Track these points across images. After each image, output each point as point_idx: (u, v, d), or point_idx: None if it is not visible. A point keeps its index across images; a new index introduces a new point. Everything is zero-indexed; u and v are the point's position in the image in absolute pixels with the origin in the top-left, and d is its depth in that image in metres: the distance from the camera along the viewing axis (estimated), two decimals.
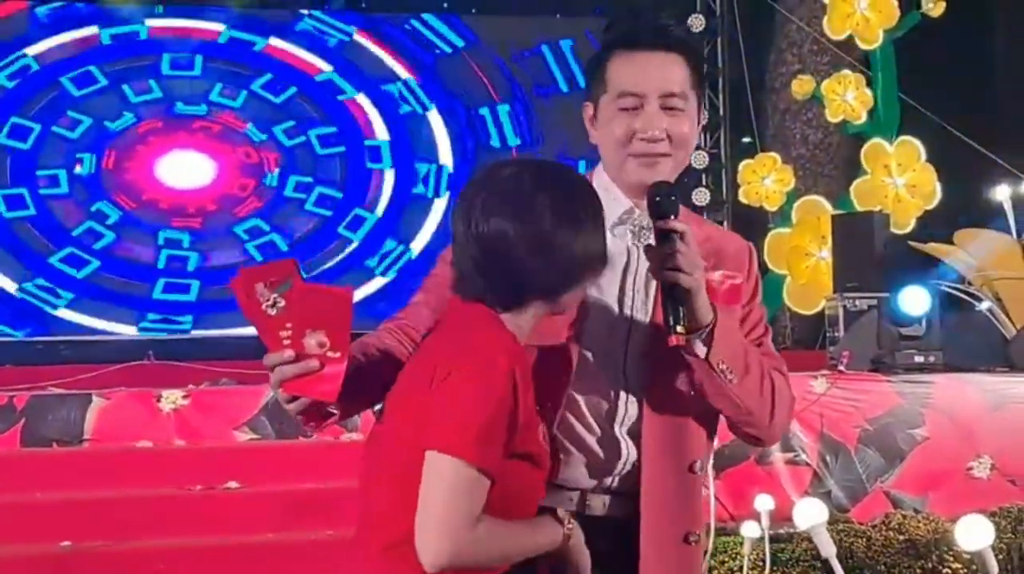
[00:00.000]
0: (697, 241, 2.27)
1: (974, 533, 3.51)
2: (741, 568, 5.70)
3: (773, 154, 10.14)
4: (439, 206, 11.38)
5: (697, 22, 11.34)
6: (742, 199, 10.04)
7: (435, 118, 11.80)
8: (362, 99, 11.59)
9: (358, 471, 2.32)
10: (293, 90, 11.44)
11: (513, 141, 11.65)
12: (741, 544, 5.70)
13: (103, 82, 11.03)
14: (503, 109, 11.65)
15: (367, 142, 11.61)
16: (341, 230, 11.36)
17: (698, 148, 11.38)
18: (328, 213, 11.39)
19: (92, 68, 11.03)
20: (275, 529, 6.10)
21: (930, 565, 5.83)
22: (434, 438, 2.03)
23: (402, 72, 11.73)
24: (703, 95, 2.50)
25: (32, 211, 10.74)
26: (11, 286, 10.56)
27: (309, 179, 11.40)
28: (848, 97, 9.58)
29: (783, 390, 2.37)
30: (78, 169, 10.89)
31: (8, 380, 7.90)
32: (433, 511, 2.02)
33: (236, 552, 6.00)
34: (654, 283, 2.35)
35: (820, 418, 6.87)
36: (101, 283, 10.75)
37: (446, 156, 11.70)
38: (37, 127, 10.84)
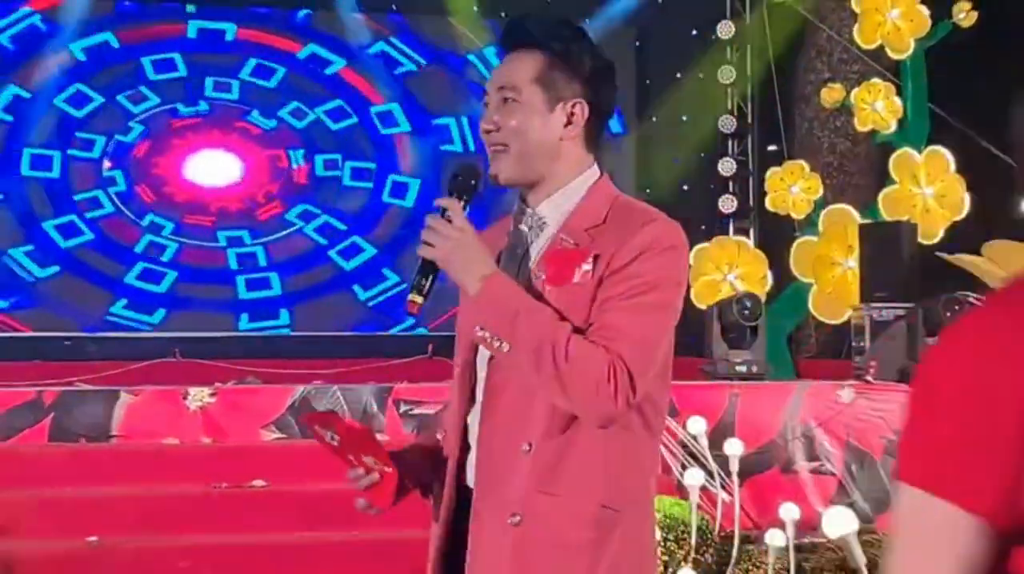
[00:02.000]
0: (588, 218, 2.44)
1: (837, 523, 3.59)
2: None
3: (801, 162, 10.11)
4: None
5: (726, 29, 11.33)
6: (768, 207, 10.01)
7: (432, 72, 11.82)
8: (352, 68, 11.58)
9: None
10: (282, 71, 11.41)
11: None
12: (765, 553, 5.70)
13: (97, 99, 11.00)
14: (489, 51, 11.58)
15: (374, 108, 11.60)
16: (386, 198, 11.37)
17: (725, 155, 11.37)
18: (369, 185, 11.40)
19: (80, 85, 11.00)
20: (300, 529, 6.13)
21: None
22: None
23: (376, 34, 11.71)
24: (565, 88, 2.52)
25: (90, 235, 10.76)
26: (98, 313, 10.57)
27: (336, 155, 11.40)
28: (877, 106, 9.55)
29: (583, 361, 2.30)
30: (113, 186, 10.92)
31: (37, 375, 7.95)
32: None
33: (260, 551, 6.03)
34: (536, 268, 2.47)
35: (846, 428, 6.87)
36: (185, 293, 10.76)
37: (459, 104, 11.72)
38: (56, 154, 10.84)
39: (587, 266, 2.39)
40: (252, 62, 11.36)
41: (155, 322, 10.66)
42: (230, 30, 11.37)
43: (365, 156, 11.43)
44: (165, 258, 10.83)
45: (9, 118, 10.78)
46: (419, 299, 2.43)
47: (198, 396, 6.85)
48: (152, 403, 6.89)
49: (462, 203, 2.45)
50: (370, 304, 11.00)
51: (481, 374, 2.51)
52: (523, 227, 2.55)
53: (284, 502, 6.28)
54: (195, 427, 6.76)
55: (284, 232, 11.11)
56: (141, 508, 6.24)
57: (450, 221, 2.40)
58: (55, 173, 10.78)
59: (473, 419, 2.53)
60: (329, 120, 11.42)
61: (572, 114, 2.52)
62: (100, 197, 10.85)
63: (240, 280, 10.92)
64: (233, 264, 10.94)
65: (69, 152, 10.85)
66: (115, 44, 11.14)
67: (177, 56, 11.24)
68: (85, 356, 9.45)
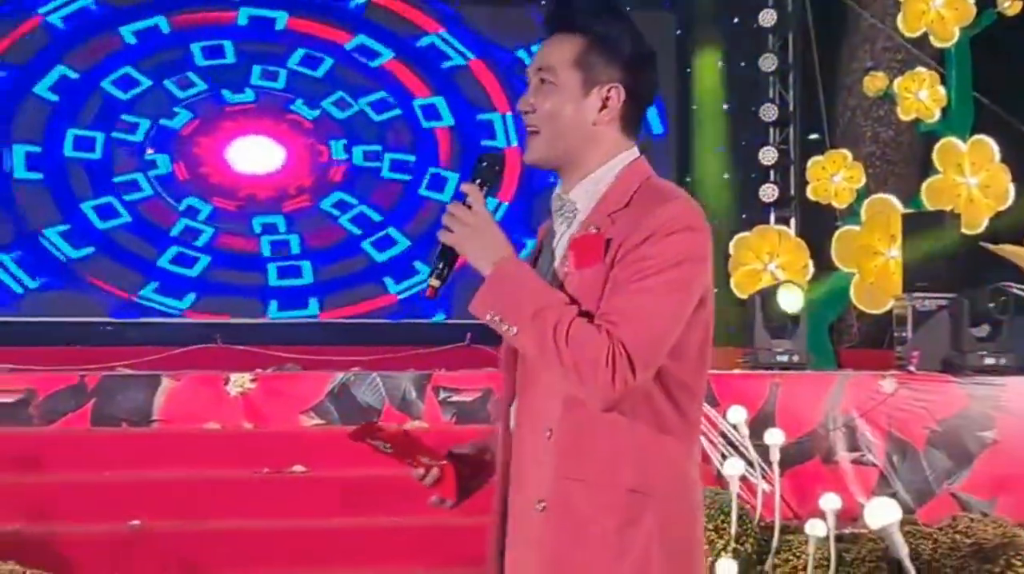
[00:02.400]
0: (613, 202, 2.43)
1: (879, 513, 3.56)
2: (805, 567, 5.66)
3: (843, 151, 10.03)
4: (513, 155, 11.27)
5: (768, 17, 11.27)
6: (810, 196, 9.96)
7: (479, 67, 11.80)
8: (399, 59, 11.58)
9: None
10: (330, 62, 11.43)
11: None
12: (805, 543, 5.66)
13: (145, 82, 11.06)
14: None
15: (418, 101, 11.60)
16: (423, 191, 11.38)
17: (767, 144, 11.31)
18: (407, 177, 11.40)
19: (128, 69, 11.06)
20: (339, 514, 6.15)
21: (998, 569, 5.75)
22: None
23: (430, 26, 11.69)
24: (602, 72, 2.51)
25: (127, 218, 10.83)
26: (130, 295, 10.65)
27: (376, 147, 11.42)
28: (921, 95, 9.48)
29: (582, 344, 2.29)
30: (153, 170, 10.98)
31: (80, 360, 8.01)
32: None
33: (300, 535, 6.05)
34: (564, 255, 2.47)
35: (888, 418, 6.82)
36: (217, 278, 10.82)
37: (501, 104, 11.68)
38: (99, 135, 10.91)
39: (601, 251, 2.38)
40: (300, 52, 11.40)
41: (184, 306, 10.72)
42: (280, 18, 11.40)
43: (405, 148, 11.45)
44: (199, 243, 10.89)
45: (55, 98, 10.85)
46: (436, 283, 2.45)
47: (239, 382, 6.89)
48: (193, 388, 6.93)
49: (484, 190, 2.46)
50: (400, 297, 11.01)
51: (521, 363, 2.52)
52: (557, 219, 2.55)
53: (324, 487, 6.30)
54: (236, 412, 6.80)
55: (319, 221, 11.14)
56: (182, 492, 6.28)
57: (470, 207, 2.41)
58: (97, 154, 10.85)
59: (513, 408, 2.55)
60: (372, 111, 11.43)
61: (608, 98, 2.50)
62: (140, 180, 10.91)
63: (272, 267, 10.97)
64: (266, 251, 10.99)
65: (113, 135, 10.92)
66: (165, 29, 11.21)
67: (227, 43, 11.29)
68: (126, 341, 9.50)
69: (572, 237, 2.46)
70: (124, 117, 10.98)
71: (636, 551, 2.36)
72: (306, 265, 11.00)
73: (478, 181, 2.48)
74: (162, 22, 11.22)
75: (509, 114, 11.59)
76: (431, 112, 11.58)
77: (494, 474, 2.63)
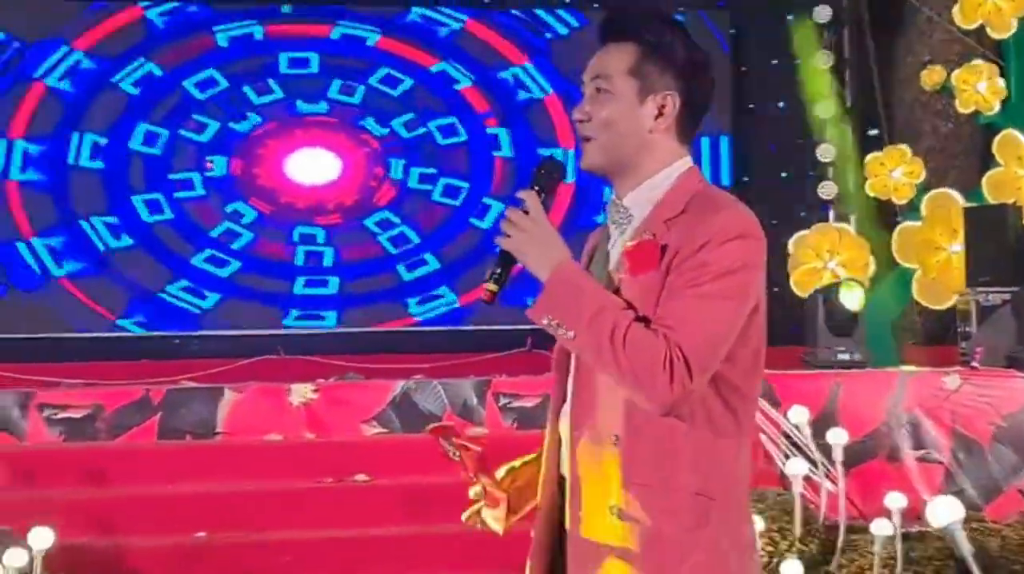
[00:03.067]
0: (669, 209, 2.46)
1: (941, 512, 3.53)
2: (871, 566, 5.63)
3: (902, 146, 9.94)
4: (565, 190, 11.32)
5: (824, 12, 11.19)
6: (869, 192, 9.87)
7: (553, 102, 11.81)
8: (477, 87, 11.64)
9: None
10: (409, 83, 11.52)
11: None
12: (871, 542, 5.63)
13: (224, 84, 11.21)
14: None
15: (487, 130, 11.66)
16: (470, 219, 11.42)
17: (824, 141, 11.23)
18: (456, 203, 11.46)
19: (213, 71, 11.23)
20: (402, 522, 6.18)
21: None
22: None
23: (516, 58, 11.74)
24: (657, 80, 2.54)
25: (170, 215, 10.98)
26: (157, 289, 10.80)
27: (433, 170, 11.48)
28: (980, 87, 9.37)
29: (640, 348, 2.32)
30: (210, 171, 11.12)
31: (145, 374, 8.11)
32: None
33: (364, 544, 6.09)
34: (619, 261, 2.50)
35: (952, 415, 6.76)
36: (243, 282, 10.94)
37: (567, 140, 11.69)
38: (166, 132, 11.07)
39: (657, 256, 2.41)
40: (383, 70, 11.50)
41: (207, 307, 10.83)
42: (372, 37, 11.51)
43: (461, 175, 11.49)
44: (235, 246, 11.01)
45: (135, 91, 11.03)
46: (494, 287, 2.48)
47: (301, 392, 6.94)
48: (256, 400, 6.99)
49: (541, 196, 2.49)
50: (420, 318, 11.05)
51: (572, 367, 2.54)
52: (611, 225, 2.58)
53: (386, 496, 6.34)
54: (298, 423, 6.84)
55: (357, 237, 11.21)
56: (246, 504, 6.34)
57: (527, 213, 2.44)
58: (158, 150, 11.01)
59: (565, 413, 2.56)
60: (439, 135, 11.50)
61: (663, 106, 2.53)
62: (194, 179, 11.06)
63: (300, 278, 11.06)
64: (299, 261, 11.09)
65: (180, 132, 11.07)
66: (259, 36, 11.36)
67: (313, 55, 11.42)
68: (190, 354, 9.61)
69: (628, 243, 2.49)
70: (195, 117, 11.15)
71: (704, 553, 2.41)
72: (334, 279, 11.09)
73: (536, 187, 2.50)
74: (257, 29, 11.38)
75: (572, 151, 11.59)
76: (494, 142, 11.63)
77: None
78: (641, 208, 2.53)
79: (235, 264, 10.95)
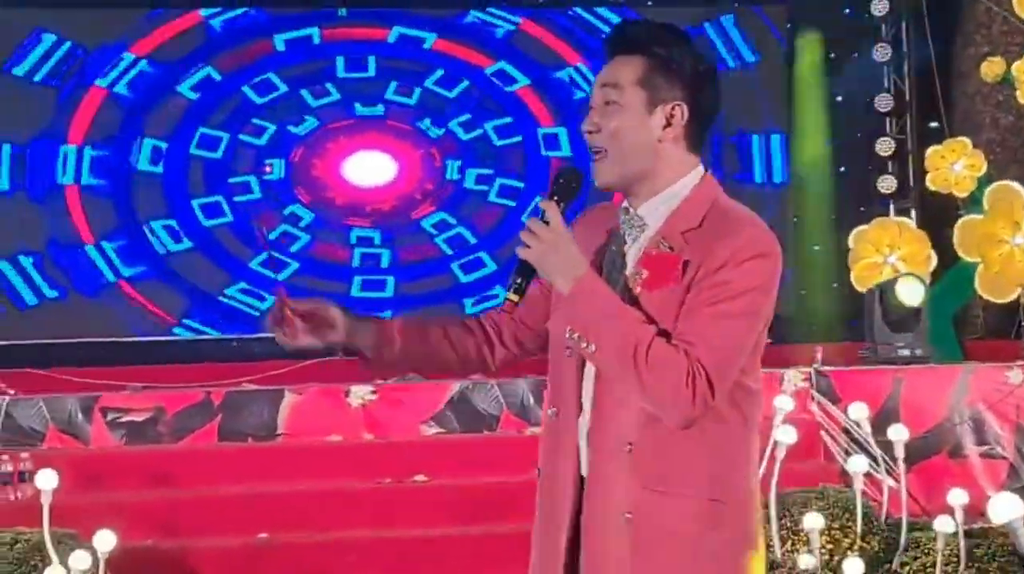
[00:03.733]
0: (686, 220, 2.49)
1: (1002, 508, 3.48)
2: (934, 564, 5.57)
3: (963, 139, 9.83)
4: None
5: (881, 6, 11.09)
6: (930, 186, 9.78)
7: None
8: (533, 88, 11.63)
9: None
10: (466, 83, 11.53)
11: None
12: (934, 539, 5.57)
13: (282, 88, 11.27)
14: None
15: (542, 130, 11.64)
16: (524, 218, 11.39)
17: (884, 135, 11.13)
18: (512, 203, 11.46)
19: (271, 75, 11.28)
20: (461, 522, 6.20)
21: None
22: None
23: (571, 58, 11.72)
24: (666, 91, 2.56)
25: (229, 218, 11.07)
26: (216, 292, 10.89)
27: (489, 171, 11.48)
28: None
29: (663, 365, 2.35)
30: (268, 174, 11.20)
31: (205, 376, 8.18)
32: None
33: (423, 544, 6.12)
34: (636, 269, 2.52)
35: (1016, 409, 6.69)
36: (301, 284, 11.00)
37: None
38: (225, 136, 11.15)
39: (679, 271, 2.44)
40: (439, 71, 11.52)
41: (264, 308, 10.88)
42: (429, 39, 11.55)
43: (516, 175, 11.49)
44: (293, 249, 11.05)
45: (195, 96, 11.13)
46: (515, 298, 2.51)
47: (359, 393, 6.99)
48: (315, 401, 7.05)
49: (561, 206, 2.51)
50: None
51: (588, 378, 2.56)
52: (623, 228, 2.60)
53: (445, 496, 6.36)
54: (357, 424, 6.89)
55: (414, 238, 11.24)
56: (308, 504, 6.39)
57: (547, 223, 2.47)
58: (218, 154, 11.11)
59: (583, 420, 2.58)
60: (495, 135, 11.50)
61: (671, 116, 2.56)
62: (252, 182, 11.12)
63: (357, 279, 11.10)
64: (356, 262, 11.13)
65: (239, 136, 11.15)
66: (316, 40, 11.43)
67: (371, 58, 11.46)
68: (250, 356, 9.67)
69: (645, 251, 2.52)
70: (254, 120, 11.22)
71: (718, 557, 2.47)
72: (390, 279, 11.12)
73: (555, 197, 2.52)
74: (315, 33, 11.45)
75: None
76: (551, 142, 11.61)
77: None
78: (655, 217, 2.57)
79: (293, 266, 11.02)
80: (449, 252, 11.21)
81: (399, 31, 11.51)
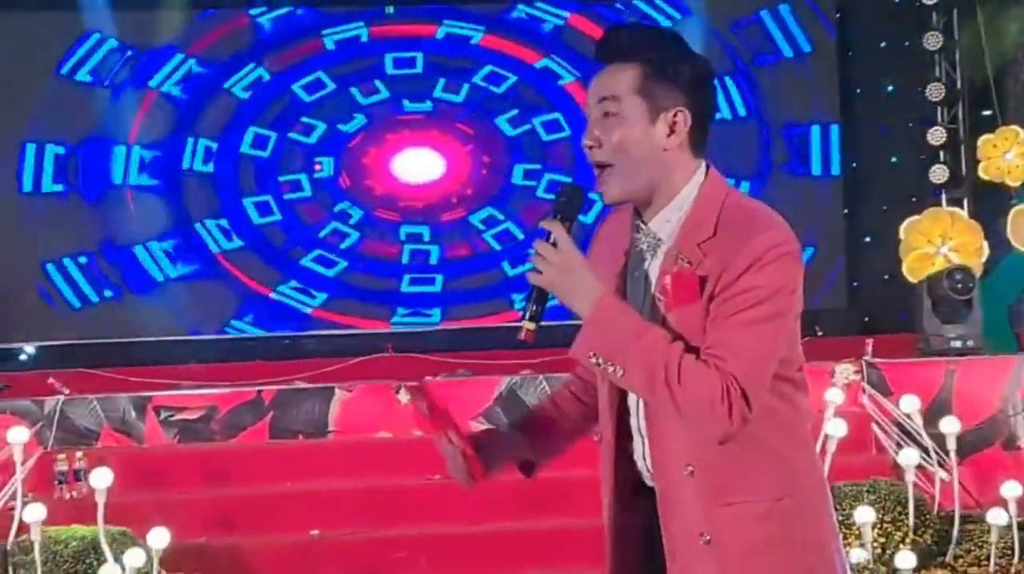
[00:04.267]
0: (700, 230, 2.42)
1: None
2: (988, 557, 5.54)
3: (1015, 127, 9.73)
4: None
5: None
6: (982, 175, 9.68)
7: None
8: (581, 83, 11.59)
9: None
10: (513, 79, 11.52)
11: (742, 110, 11.49)
12: (987, 532, 5.54)
13: (331, 86, 11.30)
14: (727, 81, 11.45)
15: None
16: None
17: (935, 124, 11.04)
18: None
19: (320, 74, 11.32)
20: (512, 517, 6.21)
21: None
22: None
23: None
24: (665, 97, 2.48)
25: (279, 216, 11.12)
26: (267, 289, 10.96)
27: (537, 166, 11.47)
28: None
29: (696, 382, 2.30)
30: (317, 172, 11.25)
31: (257, 374, 8.25)
32: None
33: (475, 540, 6.15)
34: (656, 287, 2.46)
35: None
36: (351, 281, 11.05)
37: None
38: (274, 135, 11.22)
39: (698, 289, 2.38)
40: (487, 68, 11.53)
41: (315, 305, 10.94)
42: (476, 35, 11.56)
43: (564, 170, 11.47)
44: (343, 246, 11.10)
45: (245, 96, 11.21)
46: (531, 326, 2.42)
47: (409, 390, 7.00)
48: (365, 399, 7.09)
49: (567, 225, 2.43)
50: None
51: (637, 405, 2.52)
52: (641, 246, 2.53)
53: (495, 491, 6.34)
54: (407, 421, 6.90)
55: (463, 234, 11.26)
56: (359, 501, 6.44)
57: (555, 245, 2.39)
58: (267, 153, 11.18)
59: (638, 447, 2.54)
60: (543, 131, 11.49)
61: (675, 123, 2.48)
62: (302, 180, 11.18)
63: (406, 276, 11.13)
64: (405, 259, 11.16)
65: (289, 135, 11.21)
66: (364, 38, 11.47)
67: (419, 55, 11.49)
68: (301, 354, 9.74)
69: (664, 270, 2.45)
70: (303, 119, 11.28)
71: (803, 551, 2.44)
72: (439, 276, 11.15)
73: (559, 217, 2.44)
74: (363, 31, 11.49)
75: None
76: None
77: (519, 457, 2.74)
78: (668, 230, 2.49)
79: (342, 263, 11.07)
80: (498, 248, 11.22)
81: (447, 28, 11.53)
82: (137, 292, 10.76)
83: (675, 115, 2.48)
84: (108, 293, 10.68)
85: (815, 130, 11.28)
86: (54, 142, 10.80)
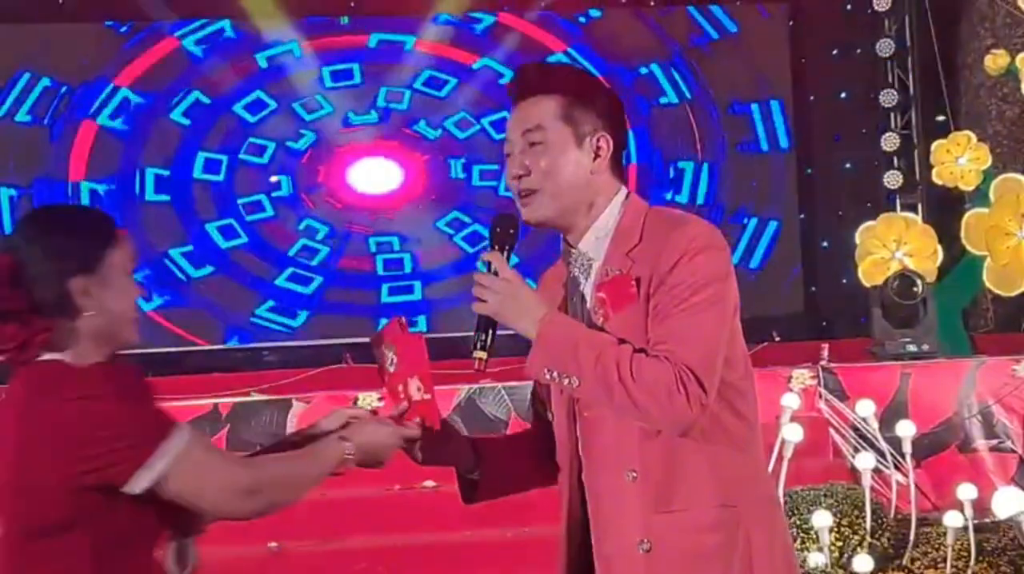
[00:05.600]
0: (626, 240, 2.49)
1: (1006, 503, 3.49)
2: (945, 559, 5.57)
3: (967, 132, 9.81)
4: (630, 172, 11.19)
5: (883, 2, 11.08)
6: (936, 180, 9.75)
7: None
8: None
9: None
10: (454, 82, 11.50)
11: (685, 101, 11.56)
12: (944, 534, 5.57)
13: (273, 105, 11.24)
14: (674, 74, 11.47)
15: None
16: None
17: (889, 130, 11.11)
18: None
19: (259, 93, 11.26)
20: (471, 527, 6.19)
21: None
22: None
23: (555, 46, 11.62)
24: (587, 123, 2.56)
25: (245, 238, 11.05)
26: (246, 313, 10.88)
27: (495, 166, 11.43)
28: None
29: (649, 377, 2.33)
30: (276, 191, 11.18)
31: (213, 387, 8.19)
32: None
33: (434, 550, 6.12)
34: (594, 304, 2.52)
35: None
36: (330, 297, 10.99)
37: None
38: (225, 158, 11.12)
39: (634, 289, 2.44)
40: (426, 73, 11.50)
41: (297, 325, 10.89)
42: (409, 41, 11.52)
43: None
44: (315, 262, 11.06)
45: (187, 122, 11.11)
46: (483, 355, 2.51)
47: (367, 401, 6.97)
48: (323, 409, 7.01)
49: (504, 253, 2.52)
50: None
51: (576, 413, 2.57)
52: (575, 271, 2.60)
53: (455, 501, 6.32)
54: None
55: (433, 240, 11.23)
56: (318, 512, 6.37)
57: (496, 274, 2.47)
58: (222, 176, 11.10)
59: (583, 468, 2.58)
60: (493, 130, 11.48)
61: (599, 147, 2.56)
62: (263, 200, 11.12)
63: (384, 286, 11.09)
64: (380, 270, 11.12)
65: (240, 156, 11.13)
66: (298, 53, 11.40)
67: (356, 66, 11.45)
68: (257, 365, 9.69)
69: (597, 285, 2.52)
70: (252, 139, 11.21)
71: (739, 560, 2.44)
72: (417, 283, 11.11)
73: (497, 246, 2.53)
74: (295, 47, 11.42)
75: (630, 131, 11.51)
76: None
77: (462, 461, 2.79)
78: (597, 249, 2.56)
79: (318, 279, 11.01)
80: (470, 250, 11.19)
81: (378, 36, 11.45)
82: None
83: (599, 139, 2.56)
84: None
85: (763, 138, 11.34)
86: (5, 185, 10.70)
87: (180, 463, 2.33)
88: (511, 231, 2.56)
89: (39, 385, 2.33)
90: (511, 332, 2.58)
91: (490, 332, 2.50)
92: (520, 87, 2.61)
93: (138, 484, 2.29)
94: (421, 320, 10.99)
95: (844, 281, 10.30)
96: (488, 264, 2.50)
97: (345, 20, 11.48)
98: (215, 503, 2.44)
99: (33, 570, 2.31)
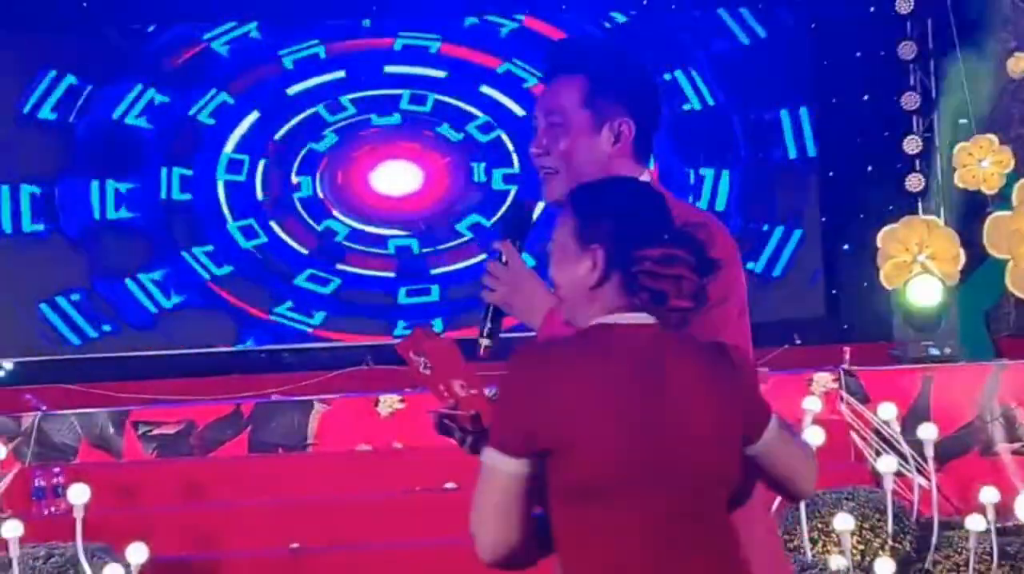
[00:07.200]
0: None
1: None
2: (967, 563, 5.56)
3: (989, 135, 9.78)
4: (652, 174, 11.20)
5: (905, 4, 11.05)
6: (958, 183, 9.72)
7: None
8: (546, 85, 11.54)
9: None
10: (478, 87, 11.53)
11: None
12: (966, 538, 5.56)
13: (296, 106, 11.18)
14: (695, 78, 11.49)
15: None
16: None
17: (911, 133, 11.09)
18: (542, 200, 11.40)
19: (284, 94, 11.20)
20: None
21: None
22: None
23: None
24: (610, 108, 2.56)
25: (265, 239, 11.05)
26: (263, 313, 10.86)
27: (515, 170, 11.47)
28: None
29: None
30: (297, 192, 11.20)
31: (235, 388, 8.23)
32: None
33: (456, 551, 6.11)
34: None
35: None
36: (347, 298, 10.99)
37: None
38: (247, 158, 11.13)
39: None
40: (450, 77, 11.50)
41: (315, 324, 10.87)
42: (434, 45, 11.51)
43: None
44: (334, 263, 11.06)
45: (212, 122, 11.12)
46: (487, 342, 2.54)
47: (388, 402, 7.01)
48: (345, 411, 7.08)
49: (516, 244, 2.55)
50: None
51: None
52: None
53: None
54: (387, 433, 6.90)
55: (453, 243, 11.23)
56: (339, 514, 6.41)
57: (506, 264, 2.51)
58: (243, 177, 11.11)
59: None
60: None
61: (620, 133, 2.56)
62: (284, 201, 11.15)
63: (402, 288, 11.10)
64: (398, 272, 11.12)
65: (262, 158, 11.15)
66: (323, 55, 11.41)
67: (379, 68, 11.44)
68: (279, 367, 9.71)
69: None
70: (274, 140, 11.21)
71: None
72: (435, 287, 11.11)
73: (509, 237, 2.57)
74: (320, 49, 11.43)
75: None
76: None
77: None
78: None
79: (336, 281, 11.01)
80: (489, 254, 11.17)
81: (403, 40, 11.47)
82: (136, 326, 10.63)
83: (620, 125, 2.56)
84: (107, 327, 10.55)
85: (789, 144, 11.32)
86: (28, 182, 10.66)
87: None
88: (524, 219, 2.64)
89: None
90: (519, 335, 2.58)
91: (496, 321, 2.54)
92: (550, 63, 2.66)
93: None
94: (438, 323, 11.00)
95: (866, 284, 10.27)
96: (499, 254, 2.53)
97: (367, 23, 11.48)
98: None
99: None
